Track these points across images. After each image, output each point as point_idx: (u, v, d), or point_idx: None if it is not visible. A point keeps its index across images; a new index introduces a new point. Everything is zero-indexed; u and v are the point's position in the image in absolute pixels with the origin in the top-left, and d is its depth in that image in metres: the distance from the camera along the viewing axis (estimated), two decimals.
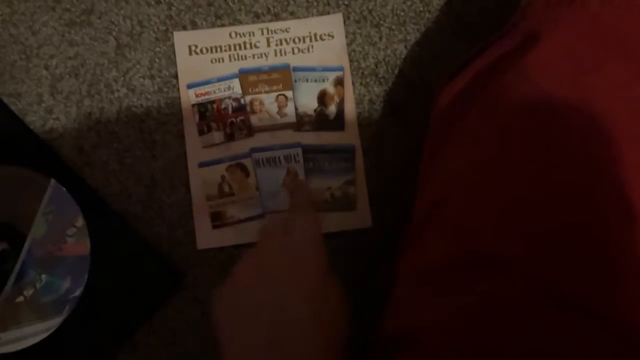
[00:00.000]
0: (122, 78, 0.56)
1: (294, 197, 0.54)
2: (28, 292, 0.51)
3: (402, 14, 0.56)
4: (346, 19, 0.56)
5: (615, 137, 0.41)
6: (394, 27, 0.56)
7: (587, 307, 0.39)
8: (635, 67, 0.42)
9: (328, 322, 0.45)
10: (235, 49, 0.55)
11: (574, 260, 0.40)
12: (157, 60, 0.56)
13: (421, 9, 0.56)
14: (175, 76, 0.56)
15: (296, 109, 0.55)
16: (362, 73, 0.56)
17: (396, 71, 0.56)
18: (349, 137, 0.55)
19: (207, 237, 0.54)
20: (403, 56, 0.56)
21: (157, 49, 0.56)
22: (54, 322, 0.51)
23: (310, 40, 0.55)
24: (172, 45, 0.56)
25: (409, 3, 0.56)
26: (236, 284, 0.46)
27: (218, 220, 0.54)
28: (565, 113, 0.42)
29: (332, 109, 0.55)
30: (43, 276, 0.52)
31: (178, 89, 0.56)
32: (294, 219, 0.48)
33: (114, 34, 0.57)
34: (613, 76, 0.42)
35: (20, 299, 0.51)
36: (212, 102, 0.55)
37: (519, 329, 0.39)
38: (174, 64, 0.56)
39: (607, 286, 0.39)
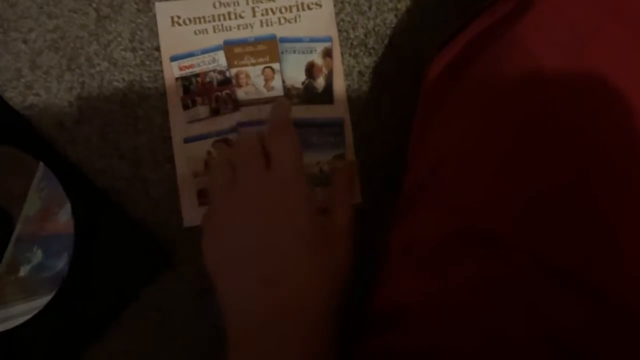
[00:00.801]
0: (103, 51, 0.55)
1: (274, 114, 0.51)
2: (24, 270, 0.50)
3: None
4: None
5: (612, 104, 0.40)
6: None
7: (579, 280, 0.38)
8: (633, 30, 0.41)
9: (325, 263, 0.46)
10: (219, 20, 0.53)
11: (563, 230, 0.39)
12: (138, 32, 0.54)
13: None
14: (158, 49, 0.54)
15: (283, 81, 0.53)
16: (351, 44, 0.54)
17: (386, 41, 0.55)
18: (338, 110, 0.53)
19: (193, 215, 0.53)
20: (393, 25, 0.55)
21: (139, 20, 0.54)
22: (40, 302, 0.50)
23: (297, 9, 0.53)
24: (154, 16, 0.54)
25: None
26: (220, 228, 0.46)
27: (204, 197, 0.53)
28: (560, 81, 0.41)
29: (320, 81, 0.53)
30: (39, 252, 0.51)
31: (161, 62, 0.54)
32: (273, 147, 0.47)
33: (94, 5, 0.55)
34: (610, 41, 0.41)
35: (19, 274, 0.50)
36: (197, 75, 0.53)
37: (510, 307, 0.39)
38: (156, 35, 0.54)
39: (597, 254, 0.38)
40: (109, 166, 0.54)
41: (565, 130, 0.40)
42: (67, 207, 0.51)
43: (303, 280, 0.45)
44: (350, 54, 0.54)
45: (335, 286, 0.45)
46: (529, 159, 0.40)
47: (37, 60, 0.54)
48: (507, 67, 0.42)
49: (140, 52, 0.55)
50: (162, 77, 0.54)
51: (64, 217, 0.51)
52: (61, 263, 0.51)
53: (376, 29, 0.54)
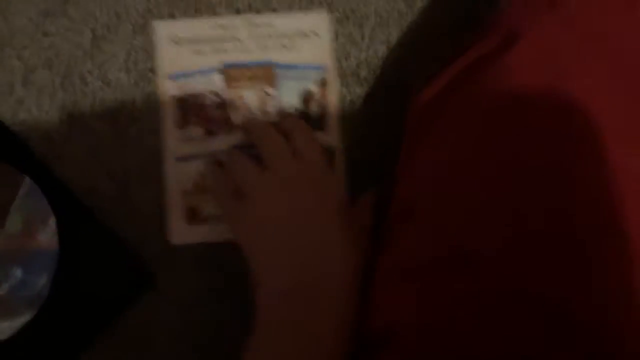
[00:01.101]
0: (97, 71, 0.55)
1: (287, 117, 0.55)
2: (3, 288, 0.49)
3: (385, 14, 0.56)
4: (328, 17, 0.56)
5: (595, 139, 0.41)
6: (376, 27, 0.56)
7: (555, 307, 0.39)
8: (614, 65, 0.43)
9: (357, 247, 0.49)
10: (217, 42, 0.54)
11: (542, 257, 0.40)
12: (133, 53, 0.55)
13: (404, 10, 0.56)
14: (152, 70, 0.55)
15: (278, 106, 0.54)
16: (344, 73, 0.56)
17: (378, 72, 0.56)
18: (330, 137, 0.54)
19: (182, 232, 0.53)
20: (385, 57, 0.56)
21: (135, 41, 0.55)
22: (20, 321, 0.49)
23: (295, 37, 0.54)
24: (150, 38, 0.55)
25: (392, 4, 0.56)
26: (262, 218, 0.49)
27: (194, 215, 0.53)
28: (545, 114, 0.42)
29: (314, 108, 0.54)
30: (18, 271, 0.49)
31: (155, 83, 0.55)
32: (298, 140, 0.51)
33: (90, 25, 0.55)
34: (593, 77, 0.42)
35: None
36: (192, 95, 0.54)
37: (487, 330, 0.39)
38: (151, 57, 0.55)
39: (573, 283, 0.39)
40: (95, 185, 0.54)
41: (551, 162, 0.41)
42: (51, 224, 0.50)
43: (336, 252, 0.48)
44: (342, 83, 0.55)
45: (359, 265, 0.47)
46: (515, 189, 0.41)
47: (31, 77, 0.54)
48: (493, 99, 0.44)
49: (135, 73, 0.55)
50: (155, 99, 0.54)
51: (47, 234, 0.50)
52: (42, 281, 0.50)
53: (368, 60, 0.56)
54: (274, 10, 0.55)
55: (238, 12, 0.55)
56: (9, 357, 0.49)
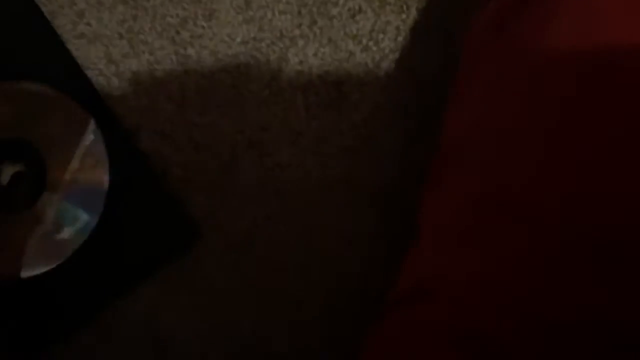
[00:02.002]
0: None
1: None
2: (67, 232, 0.48)
3: None
4: None
5: None
6: None
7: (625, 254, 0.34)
8: None
9: None
10: None
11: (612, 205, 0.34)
12: None
13: None
14: None
15: None
16: None
17: None
18: None
19: None
20: None
21: None
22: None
23: None
24: None
25: None
26: None
27: None
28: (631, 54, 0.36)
29: None
30: (84, 215, 0.48)
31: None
32: None
33: None
34: None
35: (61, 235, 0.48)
36: None
37: (556, 289, 0.35)
38: None
39: None
40: (154, 104, 0.52)
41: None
42: (105, 165, 0.49)
43: None
44: None
45: None
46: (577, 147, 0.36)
47: None
48: (566, 26, 0.37)
49: None
50: (216, 17, 0.52)
51: (101, 175, 0.49)
52: (88, 218, 0.48)
53: None
54: None
55: None
56: (53, 288, 0.49)
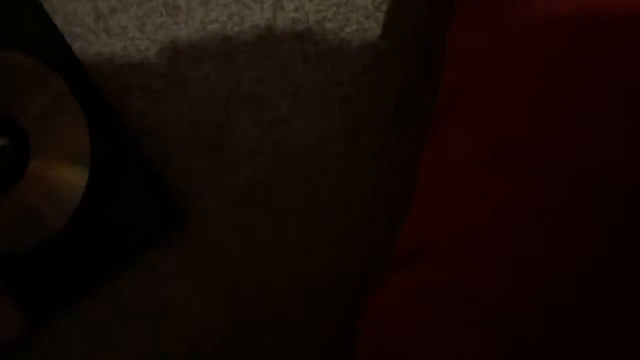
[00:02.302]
0: None
1: None
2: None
3: None
4: None
5: None
6: None
7: None
8: None
9: None
10: None
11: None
12: None
13: None
14: None
15: None
16: None
17: None
18: None
19: None
20: None
21: None
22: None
23: None
24: None
25: None
26: None
27: None
28: None
29: None
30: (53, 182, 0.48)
31: None
32: None
33: None
34: None
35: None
36: None
37: (556, 240, 0.33)
38: None
39: None
40: (145, 59, 0.50)
41: None
42: (87, 140, 0.47)
43: None
44: None
45: None
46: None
47: None
48: None
49: None
50: None
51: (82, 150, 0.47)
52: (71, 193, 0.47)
53: None
54: None
55: None
56: (30, 273, 0.48)
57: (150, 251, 0.49)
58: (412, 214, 0.40)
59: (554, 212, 0.33)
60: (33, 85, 0.47)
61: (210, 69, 0.50)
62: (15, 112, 0.47)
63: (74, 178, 0.47)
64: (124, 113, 0.49)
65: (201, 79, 0.50)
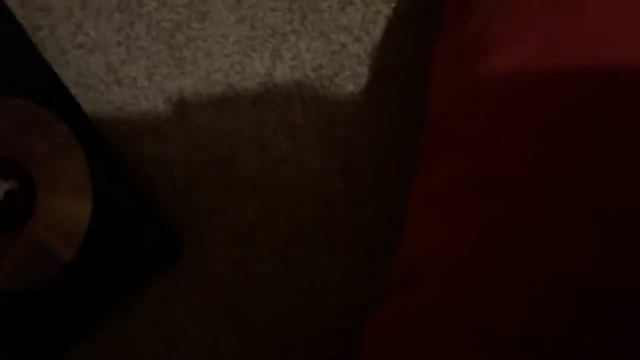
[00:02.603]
0: None
1: None
2: None
3: None
4: None
5: None
6: None
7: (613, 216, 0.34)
8: None
9: None
10: None
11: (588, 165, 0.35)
12: None
13: None
14: None
15: None
16: None
17: None
18: None
19: None
20: None
21: None
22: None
23: None
24: None
25: None
26: None
27: None
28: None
29: None
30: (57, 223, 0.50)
31: (210, 3, 0.53)
32: None
33: None
34: None
35: None
36: None
37: (535, 249, 0.35)
38: None
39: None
40: (154, 107, 0.53)
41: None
42: (88, 182, 0.50)
43: None
44: None
45: None
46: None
47: (88, 0, 0.54)
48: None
49: None
50: (209, 18, 0.53)
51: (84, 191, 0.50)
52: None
53: None
54: None
55: None
56: (28, 315, 0.49)
57: (152, 284, 0.51)
58: (403, 243, 0.42)
59: (531, 229, 0.35)
60: (36, 130, 0.50)
61: (215, 115, 0.53)
62: (20, 155, 0.50)
63: (78, 212, 0.50)
64: (135, 158, 0.52)
65: (207, 125, 0.53)
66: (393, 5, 0.54)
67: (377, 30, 0.54)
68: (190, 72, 0.53)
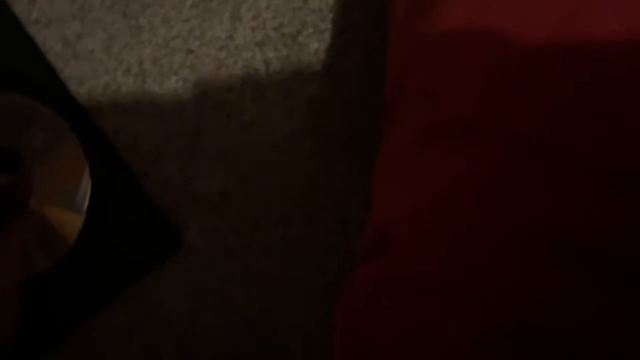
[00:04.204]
0: None
1: None
2: None
3: None
4: None
5: None
6: None
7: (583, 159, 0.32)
8: None
9: None
10: None
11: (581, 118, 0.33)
12: None
13: None
14: None
15: None
16: None
17: None
18: None
19: None
20: None
21: None
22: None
23: None
24: None
25: None
26: None
27: None
28: None
29: None
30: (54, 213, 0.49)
31: None
32: None
33: None
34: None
35: None
36: None
37: (514, 200, 0.33)
38: None
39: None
40: (113, 80, 0.52)
41: None
42: (86, 170, 0.50)
43: None
44: None
45: None
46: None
47: None
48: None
49: None
50: None
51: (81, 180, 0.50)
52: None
53: None
54: None
55: None
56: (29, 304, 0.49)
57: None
58: (373, 205, 0.41)
59: (508, 180, 0.33)
60: (33, 124, 0.50)
61: (176, 82, 0.52)
62: (19, 148, 0.49)
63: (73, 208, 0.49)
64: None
65: (170, 94, 0.52)
66: None
67: None
68: (149, 41, 0.52)
